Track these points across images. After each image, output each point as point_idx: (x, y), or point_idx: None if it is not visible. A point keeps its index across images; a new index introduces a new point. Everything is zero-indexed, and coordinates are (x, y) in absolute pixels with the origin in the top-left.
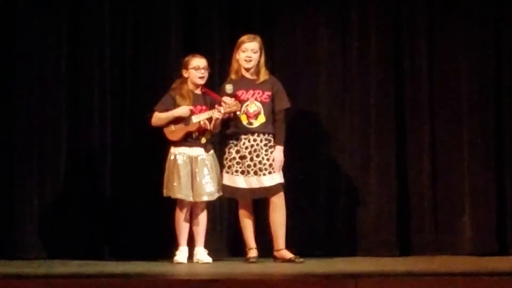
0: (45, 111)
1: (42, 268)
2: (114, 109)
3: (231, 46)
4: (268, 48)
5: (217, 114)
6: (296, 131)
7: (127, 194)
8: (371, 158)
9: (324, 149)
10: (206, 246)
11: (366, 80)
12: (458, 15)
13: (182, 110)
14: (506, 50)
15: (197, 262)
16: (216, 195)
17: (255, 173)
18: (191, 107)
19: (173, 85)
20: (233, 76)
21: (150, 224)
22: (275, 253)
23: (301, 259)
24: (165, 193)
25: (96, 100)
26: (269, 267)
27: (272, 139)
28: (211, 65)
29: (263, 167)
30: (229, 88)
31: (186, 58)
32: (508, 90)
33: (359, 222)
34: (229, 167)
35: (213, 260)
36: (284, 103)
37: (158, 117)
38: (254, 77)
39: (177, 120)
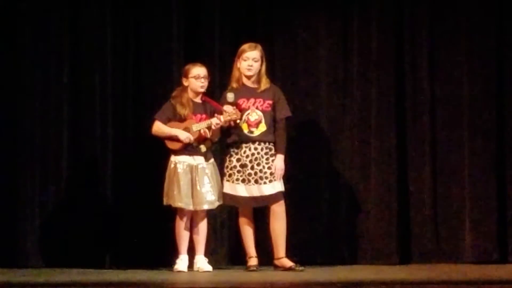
0: (47, 118)
1: (42, 276)
2: (115, 117)
3: (233, 53)
4: (269, 56)
5: (217, 122)
6: (297, 139)
7: (128, 203)
8: (371, 165)
9: (324, 157)
10: (207, 254)
11: (367, 86)
12: (459, 16)
13: (182, 134)
14: (508, 51)
15: (198, 271)
16: (216, 204)
17: (256, 181)
18: (191, 137)
19: (173, 94)
20: (234, 85)
21: (151, 232)
22: (276, 261)
23: (301, 267)
24: (166, 201)
25: (98, 107)
26: (269, 276)
27: (273, 147)
28: (212, 73)
29: (263, 175)
30: (230, 96)
31: (186, 67)
32: (510, 93)
33: (359, 230)
34: (230, 175)
35: (213, 268)
36: (285, 111)
37: (159, 129)
38: (255, 86)
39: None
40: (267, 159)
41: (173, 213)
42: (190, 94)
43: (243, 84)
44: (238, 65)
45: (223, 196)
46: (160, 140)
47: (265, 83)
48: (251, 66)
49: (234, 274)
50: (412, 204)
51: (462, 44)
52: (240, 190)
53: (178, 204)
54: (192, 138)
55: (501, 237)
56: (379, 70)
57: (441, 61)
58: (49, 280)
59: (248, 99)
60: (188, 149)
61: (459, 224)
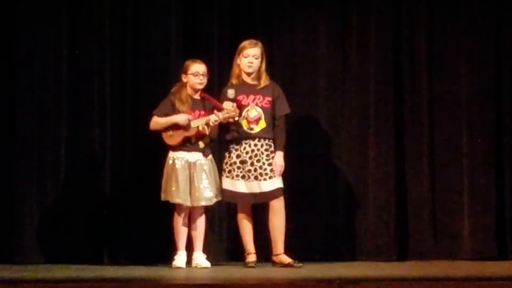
0: (45, 114)
1: (40, 273)
2: (113, 113)
3: (232, 51)
4: (267, 52)
5: (215, 119)
6: (296, 135)
7: (126, 199)
8: (369, 162)
9: (323, 154)
10: (205, 250)
11: (365, 83)
12: (458, 15)
13: (180, 118)
14: (506, 50)
15: (196, 267)
16: (214, 200)
17: (256, 178)
18: (190, 117)
19: (172, 90)
20: (234, 81)
21: (149, 228)
22: (274, 258)
23: (299, 264)
24: (163, 197)
25: (96, 104)
26: (268, 272)
27: (272, 144)
28: (211, 68)
29: (263, 172)
30: (230, 92)
31: (186, 63)
32: (508, 92)
33: (358, 227)
34: (230, 171)
35: (212, 264)
36: (285, 108)
37: (156, 122)
38: (255, 82)
39: (175, 125)
40: (267, 155)
41: (171, 209)
42: (189, 90)
43: (243, 81)
44: (238, 61)
45: (223, 192)
46: (158, 136)
47: (265, 80)
48: (252, 63)
49: (233, 270)
50: (410, 201)
51: (461, 42)
52: (240, 186)
53: (176, 200)
54: (191, 117)
55: (500, 234)
56: (378, 68)
57: (439, 60)
58: (47, 276)
59: (247, 96)
60: (187, 145)
61: (458, 221)
